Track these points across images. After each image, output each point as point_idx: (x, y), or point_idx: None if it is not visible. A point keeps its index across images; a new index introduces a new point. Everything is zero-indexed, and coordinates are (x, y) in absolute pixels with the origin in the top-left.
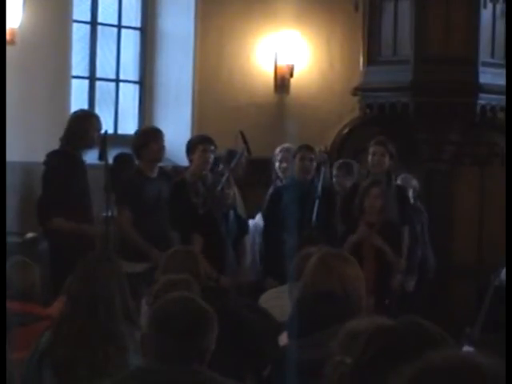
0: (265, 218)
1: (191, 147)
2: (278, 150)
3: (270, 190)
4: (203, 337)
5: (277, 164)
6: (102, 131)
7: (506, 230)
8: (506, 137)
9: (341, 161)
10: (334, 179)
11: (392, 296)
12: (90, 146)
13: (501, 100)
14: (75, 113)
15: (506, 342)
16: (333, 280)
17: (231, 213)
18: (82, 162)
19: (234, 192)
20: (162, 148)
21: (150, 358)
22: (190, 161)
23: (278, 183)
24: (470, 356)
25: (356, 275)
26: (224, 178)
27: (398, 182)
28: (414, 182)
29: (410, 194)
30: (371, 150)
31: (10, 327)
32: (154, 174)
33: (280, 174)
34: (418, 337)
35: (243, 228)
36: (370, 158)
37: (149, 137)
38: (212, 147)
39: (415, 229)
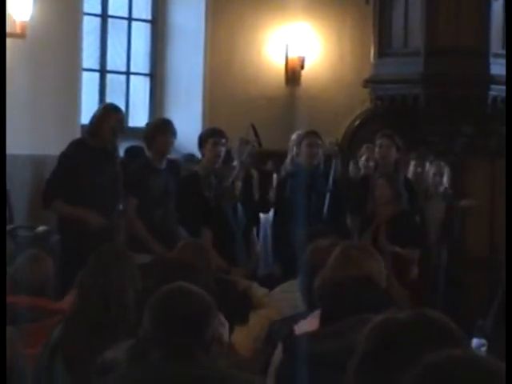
0: (274, 206)
1: (202, 141)
2: (294, 135)
3: (277, 178)
4: (205, 328)
5: (295, 149)
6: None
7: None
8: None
9: None
10: None
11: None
12: (104, 139)
13: None
14: (100, 105)
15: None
16: (353, 273)
17: (239, 204)
18: (101, 154)
19: (240, 185)
20: (168, 141)
21: (153, 353)
22: (202, 154)
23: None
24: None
25: (378, 269)
26: (235, 171)
27: (428, 166)
28: (445, 170)
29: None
30: (378, 142)
31: (22, 322)
32: (163, 165)
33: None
34: (426, 330)
35: (252, 219)
36: (376, 150)
37: (157, 129)
38: (223, 140)
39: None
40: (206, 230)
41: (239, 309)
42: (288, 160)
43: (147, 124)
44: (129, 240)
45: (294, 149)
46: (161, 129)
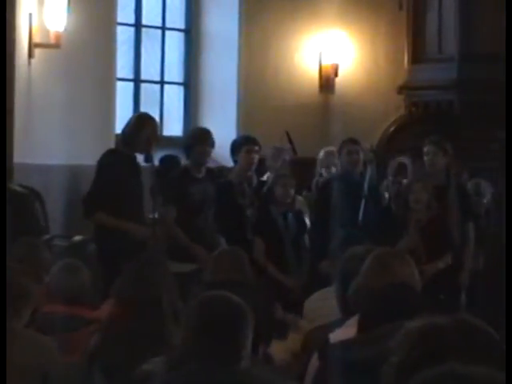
0: (314, 211)
1: (235, 148)
2: (322, 153)
3: (317, 184)
4: (241, 335)
5: (323, 170)
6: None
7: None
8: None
9: None
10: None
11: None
12: (139, 149)
13: None
14: (134, 114)
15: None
16: (388, 279)
17: (289, 213)
18: (135, 163)
19: (293, 192)
20: (206, 151)
21: (190, 358)
22: (235, 162)
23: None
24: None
25: (411, 273)
26: (270, 179)
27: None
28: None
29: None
30: (425, 149)
31: (59, 331)
32: (201, 174)
33: (325, 175)
34: (467, 336)
35: (302, 227)
36: (424, 157)
37: (196, 139)
38: (256, 148)
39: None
40: (256, 240)
41: (278, 330)
42: (317, 177)
43: (186, 133)
44: (169, 249)
45: (324, 169)
46: (199, 138)
